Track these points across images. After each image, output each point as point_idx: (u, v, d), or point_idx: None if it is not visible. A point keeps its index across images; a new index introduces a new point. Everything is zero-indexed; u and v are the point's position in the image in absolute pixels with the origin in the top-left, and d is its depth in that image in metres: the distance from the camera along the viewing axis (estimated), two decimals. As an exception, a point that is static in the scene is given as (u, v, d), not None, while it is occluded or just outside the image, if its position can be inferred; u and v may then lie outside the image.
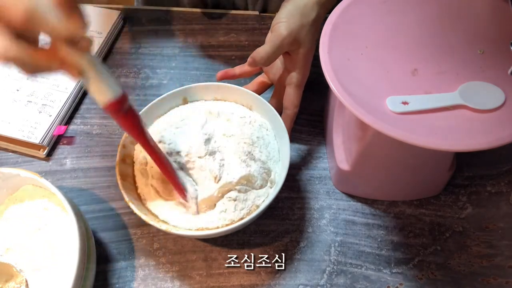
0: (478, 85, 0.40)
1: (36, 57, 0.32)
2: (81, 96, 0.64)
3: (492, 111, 0.39)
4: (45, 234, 0.47)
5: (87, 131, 0.62)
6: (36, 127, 0.59)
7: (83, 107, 0.64)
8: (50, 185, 0.47)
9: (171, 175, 0.46)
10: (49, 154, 0.59)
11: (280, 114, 0.53)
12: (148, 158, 0.49)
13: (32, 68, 0.33)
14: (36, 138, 0.58)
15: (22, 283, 0.45)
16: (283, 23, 0.50)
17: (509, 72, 0.40)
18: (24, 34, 0.32)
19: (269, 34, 0.55)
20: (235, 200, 0.47)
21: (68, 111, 0.62)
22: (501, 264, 0.50)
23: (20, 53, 0.31)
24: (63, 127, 0.60)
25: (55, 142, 0.60)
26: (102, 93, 0.37)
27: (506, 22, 0.44)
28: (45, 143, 0.58)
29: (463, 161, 0.56)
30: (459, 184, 0.56)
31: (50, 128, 0.59)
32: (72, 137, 0.61)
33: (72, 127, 0.62)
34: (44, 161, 0.59)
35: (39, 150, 0.59)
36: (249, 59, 0.51)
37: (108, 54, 0.69)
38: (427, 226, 0.53)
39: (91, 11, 0.70)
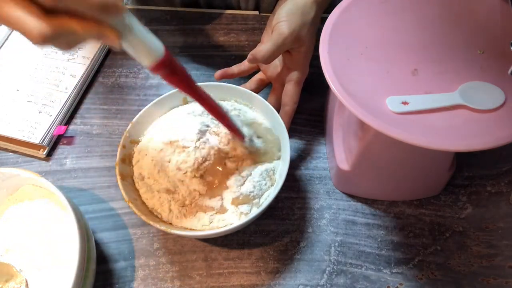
0: (478, 85, 0.40)
1: (71, 29, 0.30)
2: (81, 96, 0.64)
3: (492, 111, 0.39)
4: (45, 234, 0.47)
5: (87, 131, 0.62)
6: (36, 127, 0.59)
7: (83, 107, 0.64)
8: (50, 185, 0.47)
9: (225, 118, 0.47)
10: (49, 154, 0.59)
11: (279, 111, 0.54)
12: (144, 173, 0.49)
13: (69, 42, 0.32)
14: (36, 138, 0.58)
15: (22, 283, 0.45)
16: (285, 21, 0.51)
17: (509, 72, 0.40)
18: (56, 9, 0.30)
19: (265, 33, 0.55)
20: (246, 213, 0.48)
21: (68, 111, 0.62)
22: (501, 264, 0.50)
23: (55, 30, 0.29)
24: (63, 127, 0.60)
25: (55, 142, 0.60)
26: (146, 55, 0.36)
27: (506, 22, 0.44)
28: (45, 143, 0.58)
29: (463, 161, 0.56)
30: (459, 184, 0.56)
31: (50, 128, 0.59)
32: (72, 137, 0.61)
33: (72, 127, 0.62)
34: (44, 161, 0.59)
35: (39, 150, 0.59)
36: (249, 56, 0.52)
37: (108, 54, 0.68)
38: (427, 226, 0.53)
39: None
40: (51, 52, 0.67)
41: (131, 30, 0.34)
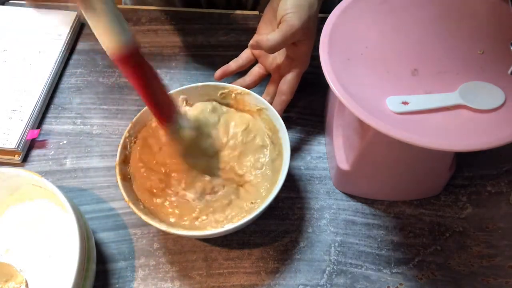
0: (478, 85, 0.40)
1: None
2: (50, 98, 0.64)
3: (492, 111, 0.39)
4: (45, 234, 0.47)
5: (87, 131, 0.62)
6: (8, 133, 0.58)
7: (83, 106, 0.64)
8: (50, 185, 0.47)
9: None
10: (47, 155, 0.59)
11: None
12: None
13: None
14: (11, 144, 0.57)
15: (22, 283, 0.45)
16: (293, 13, 0.50)
17: (509, 72, 0.40)
18: None
19: (263, 22, 0.55)
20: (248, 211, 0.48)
21: (39, 114, 0.62)
22: (501, 264, 0.50)
23: None
24: (36, 131, 0.59)
25: (29, 147, 0.60)
26: (108, 39, 0.35)
27: (506, 22, 0.44)
28: (20, 148, 0.58)
29: (463, 161, 0.56)
30: (459, 184, 0.56)
31: (24, 133, 0.59)
32: (44, 140, 0.60)
33: (72, 127, 0.62)
34: (44, 161, 0.59)
35: (14, 156, 0.58)
36: (251, 42, 0.51)
37: (70, 57, 0.68)
38: (427, 226, 0.53)
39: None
40: (11, 59, 0.66)
41: (102, 9, 0.34)
